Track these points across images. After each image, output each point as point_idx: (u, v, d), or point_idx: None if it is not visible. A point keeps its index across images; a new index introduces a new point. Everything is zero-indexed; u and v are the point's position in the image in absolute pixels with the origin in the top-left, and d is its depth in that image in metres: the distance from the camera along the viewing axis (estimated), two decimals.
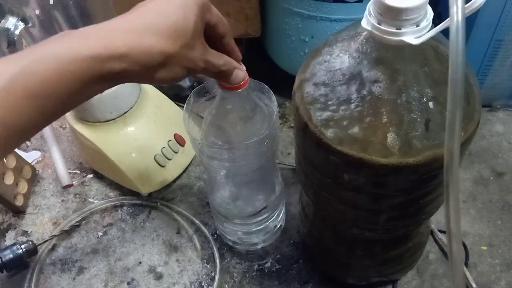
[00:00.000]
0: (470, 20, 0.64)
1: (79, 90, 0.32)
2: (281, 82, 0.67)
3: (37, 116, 0.31)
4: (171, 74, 0.36)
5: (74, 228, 0.68)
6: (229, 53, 0.42)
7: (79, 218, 0.68)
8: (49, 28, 0.56)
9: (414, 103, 0.37)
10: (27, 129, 0.31)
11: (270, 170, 0.57)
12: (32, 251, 0.63)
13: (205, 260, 0.63)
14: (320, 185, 0.46)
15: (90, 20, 0.59)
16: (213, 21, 0.39)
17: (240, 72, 0.43)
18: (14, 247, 0.61)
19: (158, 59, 0.35)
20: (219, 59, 0.40)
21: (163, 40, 0.35)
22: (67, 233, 0.67)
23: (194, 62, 0.37)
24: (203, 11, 0.38)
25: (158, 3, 0.36)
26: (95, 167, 0.74)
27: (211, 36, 0.40)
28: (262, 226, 0.61)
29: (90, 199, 0.71)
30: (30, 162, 0.75)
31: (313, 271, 0.61)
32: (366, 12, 0.37)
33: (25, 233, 0.68)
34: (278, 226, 0.64)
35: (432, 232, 0.63)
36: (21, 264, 0.62)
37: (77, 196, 0.72)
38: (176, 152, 0.70)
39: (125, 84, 0.63)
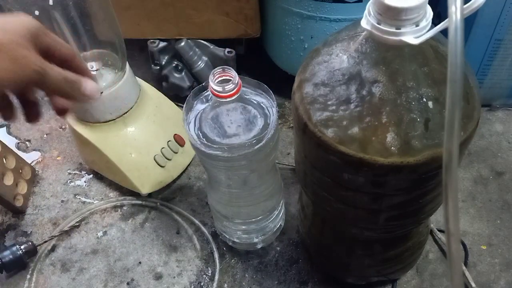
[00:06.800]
0: (470, 20, 0.64)
1: None
2: (280, 82, 0.67)
3: None
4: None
5: (74, 228, 0.68)
6: (82, 74, 0.42)
7: (78, 219, 0.68)
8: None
9: (413, 103, 0.37)
10: None
11: (270, 170, 0.57)
12: (32, 251, 0.63)
13: (204, 260, 0.63)
14: (320, 185, 0.46)
15: (89, 20, 0.59)
16: (49, 43, 0.39)
17: (90, 83, 0.41)
18: (14, 248, 0.61)
19: None
20: (58, 74, 0.38)
21: None
22: (66, 234, 0.67)
23: (27, 59, 0.36)
24: (35, 34, 0.37)
25: None
26: (95, 167, 0.74)
27: (58, 60, 0.39)
28: (261, 226, 0.61)
29: (90, 200, 0.71)
30: (30, 162, 0.75)
31: (313, 271, 0.61)
32: (366, 12, 0.37)
33: (24, 233, 0.68)
34: (277, 226, 0.64)
35: (431, 232, 0.63)
36: (21, 264, 0.62)
37: (76, 196, 0.72)
38: (176, 153, 0.70)
39: (125, 84, 0.65)
